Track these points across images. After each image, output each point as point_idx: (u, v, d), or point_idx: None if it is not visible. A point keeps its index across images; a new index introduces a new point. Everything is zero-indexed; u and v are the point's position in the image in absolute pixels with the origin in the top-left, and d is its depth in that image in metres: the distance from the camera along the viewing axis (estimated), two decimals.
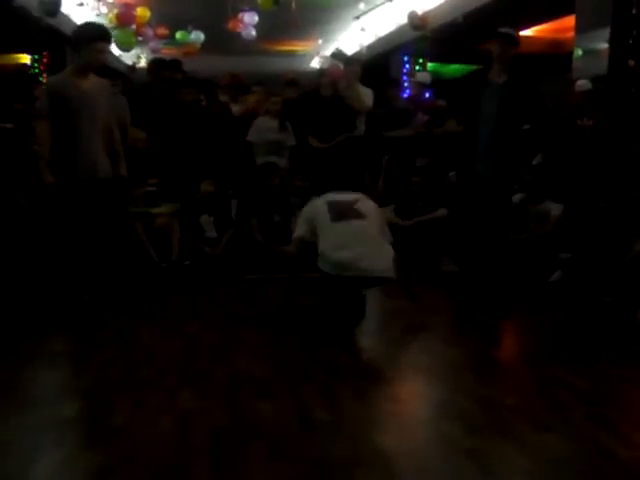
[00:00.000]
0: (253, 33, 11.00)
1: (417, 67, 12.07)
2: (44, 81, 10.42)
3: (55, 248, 5.11)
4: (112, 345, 4.08)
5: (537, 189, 6.22)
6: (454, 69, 12.67)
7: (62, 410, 3.09)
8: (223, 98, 7.42)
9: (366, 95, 7.27)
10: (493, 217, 5.18)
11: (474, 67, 6.97)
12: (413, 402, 3.37)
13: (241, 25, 10.96)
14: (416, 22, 10.37)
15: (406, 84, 11.70)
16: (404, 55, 12.23)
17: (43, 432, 2.86)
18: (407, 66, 12.21)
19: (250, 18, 10.72)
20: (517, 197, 6.28)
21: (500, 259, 5.26)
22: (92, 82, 4.79)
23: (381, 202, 6.79)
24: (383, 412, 3.15)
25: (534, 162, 6.97)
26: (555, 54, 9.79)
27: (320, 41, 14.84)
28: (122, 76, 6.89)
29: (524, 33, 10.42)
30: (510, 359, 4.23)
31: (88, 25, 5.12)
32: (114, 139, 4.97)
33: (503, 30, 5.16)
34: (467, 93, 5.35)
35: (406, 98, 9.22)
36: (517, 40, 5.17)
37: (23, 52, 11.67)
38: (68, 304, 4.75)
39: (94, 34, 4.72)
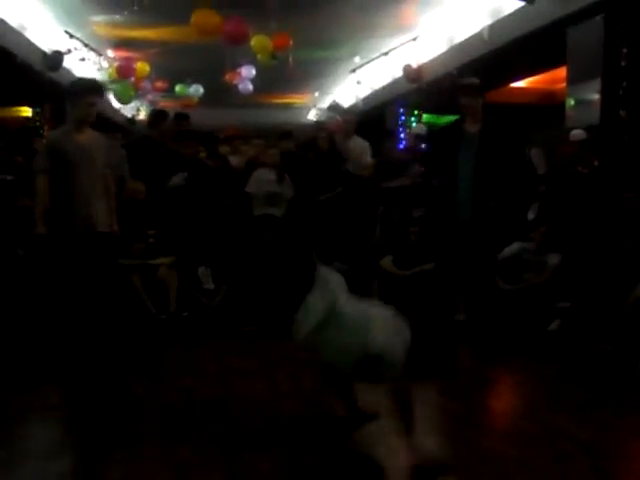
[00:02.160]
0: (250, 87, 11.19)
1: (412, 119, 12.22)
2: (45, 134, 10.60)
3: (51, 300, 5.09)
4: (107, 398, 4.04)
5: (541, 241, 6.25)
6: (449, 120, 12.83)
7: (56, 465, 3.05)
8: (223, 150, 7.51)
9: (362, 148, 7.36)
10: (480, 266, 5.19)
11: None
12: (412, 455, 3.32)
13: (239, 78, 11.16)
14: (411, 75, 10.57)
15: (402, 135, 11.87)
16: (399, 107, 12.41)
17: None
18: (402, 118, 12.37)
19: (248, 72, 10.91)
20: (515, 247, 6.31)
21: (491, 308, 5.25)
22: (88, 136, 4.89)
23: (379, 253, 6.82)
24: (384, 466, 3.10)
25: (530, 217, 7.03)
26: (548, 105, 9.94)
27: (317, 94, 15.07)
28: (121, 129, 6.99)
29: (517, 85, 10.61)
30: (510, 410, 4.19)
31: (79, 80, 5.26)
32: (109, 193, 5.02)
33: (465, 82, 5.29)
34: (443, 144, 5.43)
35: (402, 149, 9.34)
36: (480, 89, 5.25)
37: (25, 105, 11.83)
38: (63, 357, 4.71)
39: (84, 88, 4.87)
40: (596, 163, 6.53)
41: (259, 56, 9.26)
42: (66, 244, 4.76)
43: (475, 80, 5.31)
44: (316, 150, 7.21)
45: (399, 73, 11.07)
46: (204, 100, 12.79)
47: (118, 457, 3.09)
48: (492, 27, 8.41)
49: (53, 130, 5.29)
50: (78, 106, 4.82)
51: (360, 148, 7.36)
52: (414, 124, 11.84)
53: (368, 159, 7.34)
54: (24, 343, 5.13)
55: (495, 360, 4.92)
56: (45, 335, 5.05)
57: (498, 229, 5.35)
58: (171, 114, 7.19)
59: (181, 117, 7.21)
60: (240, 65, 10.81)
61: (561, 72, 7.99)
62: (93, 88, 4.92)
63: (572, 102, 7.00)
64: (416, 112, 12.41)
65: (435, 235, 6.53)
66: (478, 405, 3.99)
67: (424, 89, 10.81)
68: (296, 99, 15.73)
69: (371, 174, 7.28)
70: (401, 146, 11.04)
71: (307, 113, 16.62)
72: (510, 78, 10.17)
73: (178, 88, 12.27)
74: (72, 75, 10.79)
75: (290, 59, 9.69)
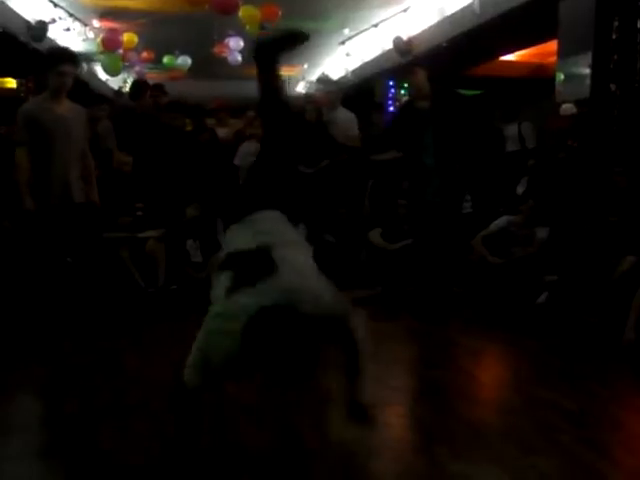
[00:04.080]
0: (239, 58, 11.08)
1: (402, 91, 12.15)
2: None
3: (36, 273, 5.07)
4: (98, 371, 4.04)
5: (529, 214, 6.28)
6: None
7: (47, 438, 3.05)
8: (210, 122, 7.45)
9: (349, 119, 7.31)
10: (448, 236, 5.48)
11: (460, 91, 7.07)
12: (402, 426, 3.36)
13: (227, 50, 11.04)
14: (401, 47, 10.49)
15: (391, 108, 11.80)
16: (389, 80, 12.33)
17: (27, 461, 2.82)
18: (392, 90, 12.30)
19: (236, 43, 10.80)
20: (503, 220, 6.33)
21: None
22: (66, 107, 4.84)
23: (367, 225, 6.83)
24: (372, 436, 3.12)
25: (519, 191, 7.04)
26: (537, 78, 9.91)
27: (306, 66, 14.94)
28: (107, 101, 6.91)
29: (507, 58, 10.57)
30: (496, 381, 4.23)
31: (52, 49, 5.20)
32: (87, 164, 4.98)
33: (410, 66, 5.92)
34: (401, 122, 5.82)
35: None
36: (419, 64, 5.86)
37: (9, 77, 11.67)
38: (50, 330, 4.70)
39: (56, 57, 4.81)
40: (578, 138, 6.53)
41: (248, 27, 9.15)
42: (44, 216, 4.73)
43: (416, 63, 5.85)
44: (304, 122, 7.16)
45: (389, 45, 10.98)
46: (192, 72, 12.65)
47: (107, 431, 3.09)
48: None
49: (27, 103, 5.22)
50: (52, 76, 4.75)
51: (346, 120, 7.31)
52: (404, 97, 11.79)
53: (355, 130, 7.30)
54: (11, 319, 5.10)
55: (482, 331, 4.96)
56: (32, 310, 5.03)
57: (462, 190, 5.81)
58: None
59: (156, 88, 7.11)
60: (228, 36, 10.69)
61: (551, 46, 7.95)
62: (65, 57, 4.82)
63: (562, 76, 6.97)
64: (406, 85, 12.34)
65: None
66: (464, 375, 4.02)
67: (414, 61, 10.74)
68: (285, 71, 15.54)
69: (358, 145, 7.25)
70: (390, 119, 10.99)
71: (296, 85, 16.48)
72: (500, 51, 10.12)
73: (166, 59, 12.11)
74: (57, 46, 10.66)
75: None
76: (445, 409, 3.39)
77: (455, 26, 9.13)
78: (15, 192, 4.90)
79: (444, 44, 9.32)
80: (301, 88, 16.20)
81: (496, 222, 6.35)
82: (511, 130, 8.42)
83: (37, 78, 11.18)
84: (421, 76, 5.50)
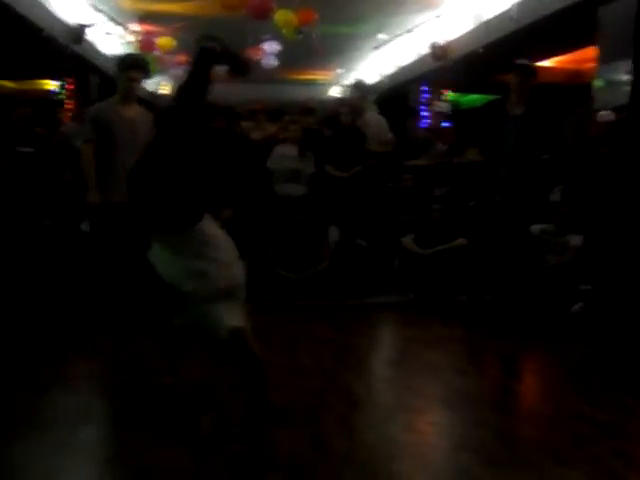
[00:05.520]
0: (273, 62, 11.12)
1: (436, 97, 12.11)
2: (65, 107, 10.68)
3: (79, 270, 5.17)
4: (131, 369, 4.09)
5: (561, 222, 6.20)
6: (472, 99, 12.69)
7: (80, 434, 3.10)
8: (246, 124, 7.50)
9: (379, 124, 7.29)
10: (512, 247, 5.20)
11: (492, 97, 7.01)
12: (430, 433, 3.34)
13: (261, 54, 11.09)
14: (437, 52, 10.44)
15: (425, 114, 11.76)
16: (423, 85, 12.29)
17: (61, 456, 2.86)
18: (426, 96, 12.26)
19: (271, 47, 10.84)
20: (536, 228, 6.26)
21: (521, 289, 5.25)
22: (135, 111, 5.09)
23: (400, 231, 6.81)
24: (400, 443, 3.11)
25: (552, 199, 6.96)
26: (575, 85, 9.78)
27: (340, 70, 14.96)
28: (146, 103, 7.00)
29: (544, 64, 10.45)
30: (529, 391, 4.18)
31: (123, 56, 5.47)
32: None
33: (520, 61, 5.27)
34: (487, 124, 5.45)
35: (425, 127, 9.26)
36: (534, 71, 5.27)
37: (49, 78, 11.87)
38: (89, 327, 4.79)
39: (126, 63, 5.09)
40: (615, 144, 6.42)
41: (284, 31, 9.18)
42: (107, 212, 4.89)
43: (529, 61, 5.38)
44: (338, 126, 7.18)
45: (424, 50, 10.94)
46: (226, 75, 12.71)
47: (139, 429, 3.13)
48: (521, 4, 8.26)
49: (99, 103, 5.48)
50: (121, 81, 5.06)
51: (377, 124, 7.29)
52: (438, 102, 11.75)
53: (387, 134, 7.28)
54: (49, 313, 5.20)
55: (516, 340, 4.91)
56: (76, 304, 5.14)
57: (529, 211, 5.41)
58: None
59: None
60: (263, 40, 10.74)
61: (589, 52, 7.85)
62: (134, 64, 5.11)
63: (601, 83, 6.88)
64: (440, 90, 12.29)
65: (461, 213, 6.52)
66: (496, 384, 3.98)
67: (449, 67, 10.69)
68: (319, 75, 15.62)
69: (389, 150, 7.22)
70: (424, 124, 10.96)
71: (330, 90, 16.50)
72: (538, 57, 10.01)
73: None
74: (95, 49, 10.82)
75: (313, 35, 9.60)
76: (476, 418, 3.36)
77: (492, 32, 9.07)
78: (61, 191, 5.02)
79: (480, 50, 9.26)
80: (335, 92, 16.22)
81: (530, 230, 6.28)
82: None
83: (78, 80, 11.40)
84: (523, 79, 5.22)
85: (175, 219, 3.06)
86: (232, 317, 3.06)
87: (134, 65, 5.09)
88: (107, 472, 2.74)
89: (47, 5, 8.73)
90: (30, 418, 3.31)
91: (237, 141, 6.78)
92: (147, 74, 5.42)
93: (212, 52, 3.15)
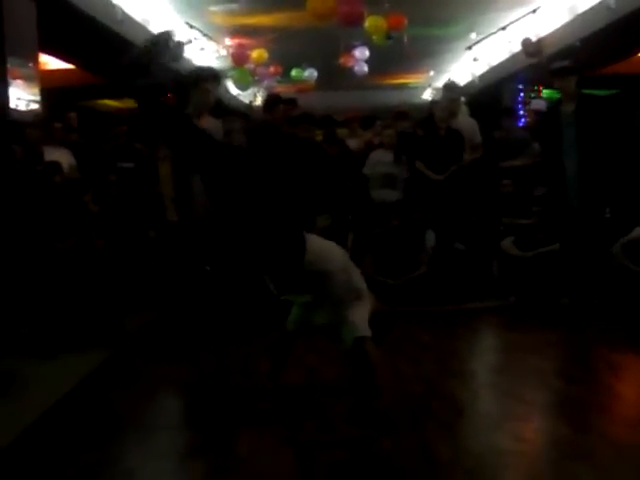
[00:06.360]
0: (365, 68, 11.16)
1: (532, 95, 11.80)
2: None
3: (186, 278, 5.36)
4: (237, 375, 4.20)
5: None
6: None
7: (186, 438, 3.21)
8: (342, 132, 7.57)
9: (471, 127, 7.17)
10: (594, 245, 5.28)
11: (592, 92, 6.76)
12: (538, 441, 3.26)
13: (353, 60, 11.15)
14: (530, 49, 10.18)
15: (521, 112, 11.49)
16: (519, 83, 12.01)
17: (166, 460, 2.97)
18: (522, 94, 11.96)
19: (361, 53, 10.88)
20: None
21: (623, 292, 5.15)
22: (208, 123, 5.09)
23: (499, 235, 6.68)
24: (507, 451, 3.05)
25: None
26: None
27: (432, 73, 14.84)
28: (240, 115, 7.16)
29: None
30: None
31: (196, 68, 5.50)
32: None
33: (556, 66, 5.44)
34: (546, 125, 5.66)
35: (522, 126, 9.04)
36: (574, 68, 5.37)
37: None
38: (197, 333, 4.95)
39: (200, 75, 5.12)
40: None
41: (374, 37, 9.21)
42: (186, 227, 4.99)
43: (565, 62, 5.50)
44: (432, 127, 7.10)
45: (517, 48, 10.69)
46: (319, 84, 12.88)
47: (244, 433, 3.21)
48: None
49: None
50: (195, 93, 5.06)
51: (468, 127, 7.16)
52: (533, 100, 11.46)
53: (478, 138, 7.14)
54: (160, 320, 5.41)
55: (623, 344, 4.73)
56: (179, 312, 5.32)
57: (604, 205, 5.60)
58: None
59: (288, 102, 7.28)
60: (353, 47, 10.80)
61: None
62: (208, 76, 5.14)
63: None
64: (536, 87, 11.97)
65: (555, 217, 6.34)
66: (604, 390, 3.84)
67: (544, 63, 10.40)
68: (411, 79, 15.54)
69: (479, 156, 7.09)
70: (521, 123, 10.70)
71: (422, 93, 16.39)
72: (635, 48, 9.60)
73: (294, 72, 12.41)
74: (192, 64, 11.19)
75: (405, 38, 9.58)
76: (584, 425, 3.24)
77: (588, 24, 8.77)
78: (160, 204, 5.21)
79: (577, 43, 8.96)
80: (427, 95, 16.11)
81: (638, 229, 6.03)
82: None
83: (178, 96, 11.81)
84: (571, 80, 5.33)
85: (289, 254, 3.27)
86: (360, 326, 3.23)
87: (207, 77, 5.10)
88: (214, 476, 2.82)
89: (148, 27, 9.12)
90: (136, 421, 3.44)
91: (311, 150, 6.78)
92: (219, 85, 5.42)
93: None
